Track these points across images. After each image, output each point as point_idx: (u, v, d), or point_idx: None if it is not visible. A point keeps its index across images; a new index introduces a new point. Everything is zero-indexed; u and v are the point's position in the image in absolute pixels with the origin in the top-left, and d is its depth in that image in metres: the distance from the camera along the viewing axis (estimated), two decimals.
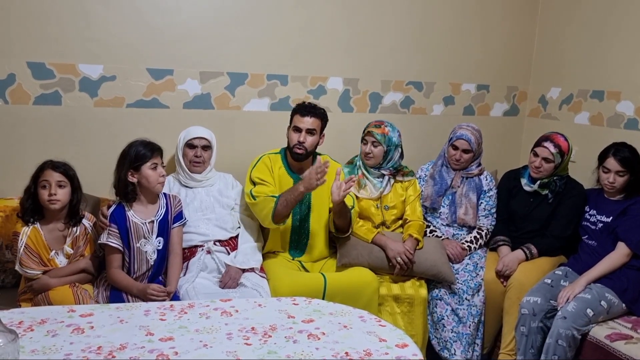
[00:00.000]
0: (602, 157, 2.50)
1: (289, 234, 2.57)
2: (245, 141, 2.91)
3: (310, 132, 2.48)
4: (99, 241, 2.19)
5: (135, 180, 2.19)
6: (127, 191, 2.19)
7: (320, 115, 2.52)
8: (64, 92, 2.57)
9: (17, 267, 2.11)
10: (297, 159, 2.51)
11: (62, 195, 2.14)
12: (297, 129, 2.48)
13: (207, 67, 2.79)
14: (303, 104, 2.54)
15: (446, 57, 3.25)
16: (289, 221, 2.54)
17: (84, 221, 2.26)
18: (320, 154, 2.68)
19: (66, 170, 2.16)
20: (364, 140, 2.67)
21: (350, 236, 2.57)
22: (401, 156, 2.70)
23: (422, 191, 2.78)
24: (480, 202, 2.77)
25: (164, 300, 2.08)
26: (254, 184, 2.50)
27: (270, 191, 2.45)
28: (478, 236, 2.74)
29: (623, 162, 2.42)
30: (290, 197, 2.36)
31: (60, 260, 2.18)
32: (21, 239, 2.09)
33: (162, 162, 2.24)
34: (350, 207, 2.53)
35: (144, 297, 2.10)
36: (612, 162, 2.44)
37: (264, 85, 2.91)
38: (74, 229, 2.21)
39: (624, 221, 2.42)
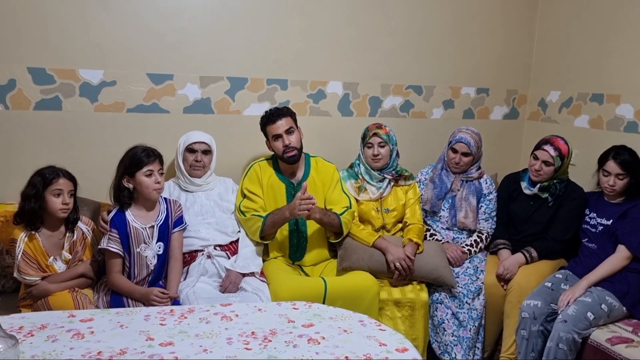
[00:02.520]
0: (602, 160, 2.50)
1: (288, 238, 2.58)
2: (245, 146, 2.91)
3: (289, 131, 2.50)
4: (99, 246, 2.19)
5: (130, 186, 2.19)
6: (122, 196, 2.20)
7: (287, 113, 2.54)
8: (64, 97, 2.58)
9: (15, 274, 2.11)
10: (293, 161, 2.52)
11: (72, 203, 2.16)
12: (277, 136, 2.50)
13: (207, 72, 2.80)
14: (266, 114, 2.55)
15: (446, 60, 3.26)
16: (287, 225, 2.55)
17: (82, 225, 2.27)
18: (312, 156, 2.68)
19: (73, 178, 2.18)
20: (368, 144, 2.67)
21: (351, 240, 2.57)
22: (397, 154, 2.73)
23: (422, 194, 2.79)
24: (480, 205, 2.77)
25: (166, 304, 2.09)
26: (244, 195, 2.55)
27: (259, 206, 2.51)
28: (478, 240, 2.74)
29: (623, 165, 2.42)
30: (276, 219, 2.45)
31: (59, 266, 2.18)
32: (19, 246, 2.09)
33: (161, 169, 2.22)
34: (345, 208, 2.54)
35: (146, 302, 2.11)
36: (612, 165, 2.44)
37: (264, 89, 2.92)
38: (72, 234, 2.22)
39: (624, 224, 2.42)
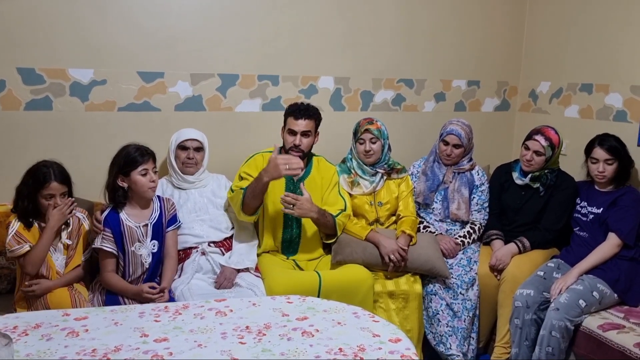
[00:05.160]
0: (589, 148, 2.53)
1: (282, 233, 2.58)
2: (237, 142, 2.91)
3: (305, 134, 2.49)
4: (93, 245, 2.20)
5: (125, 185, 2.20)
6: (117, 195, 2.20)
7: (314, 115, 2.54)
8: (54, 97, 2.57)
9: (6, 251, 2.11)
10: None
11: (65, 201, 2.16)
12: (292, 132, 2.50)
13: (198, 69, 2.79)
14: (296, 105, 2.55)
15: (436, 54, 3.27)
16: (282, 221, 2.56)
17: (78, 214, 2.27)
18: (315, 155, 2.69)
19: (66, 178, 2.17)
20: (360, 140, 2.68)
21: (344, 234, 2.58)
22: (389, 148, 2.74)
23: (414, 187, 2.80)
24: (472, 197, 2.79)
25: (160, 298, 2.10)
26: (240, 178, 2.54)
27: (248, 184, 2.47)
28: (471, 231, 2.76)
29: (610, 151, 2.45)
30: (255, 187, 2.37)
31: (57, 257, 2.19)
32: (12, 226, 2.11)
33: (154, 167, 2.23)
34: (340, 210, 2.55)
35: (140, 299, 2.11)
36: (599, 152, 2.47)
37: (255, 86, 2.92)
38: (67, 225, 2.22)
39: (614, 212, 2.45)
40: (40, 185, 2.11)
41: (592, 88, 3.02)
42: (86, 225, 2.29)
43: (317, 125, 2.57)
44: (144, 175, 2.18)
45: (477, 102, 3.46)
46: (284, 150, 2.56)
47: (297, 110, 2.51)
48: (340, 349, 1.56)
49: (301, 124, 2.48)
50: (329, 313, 1.80)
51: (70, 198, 2.17)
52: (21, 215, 2.14)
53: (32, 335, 1.61)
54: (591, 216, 2.53)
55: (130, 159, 2.17)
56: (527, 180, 2.69)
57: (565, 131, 2.91)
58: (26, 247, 2.10)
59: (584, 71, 3.07)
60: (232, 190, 2.50)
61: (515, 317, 2.39)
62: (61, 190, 2.14)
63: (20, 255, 2.10)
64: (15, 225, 2.12)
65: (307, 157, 2.58)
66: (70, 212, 2.17)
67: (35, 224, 2.16)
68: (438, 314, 2.53)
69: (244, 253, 2.48)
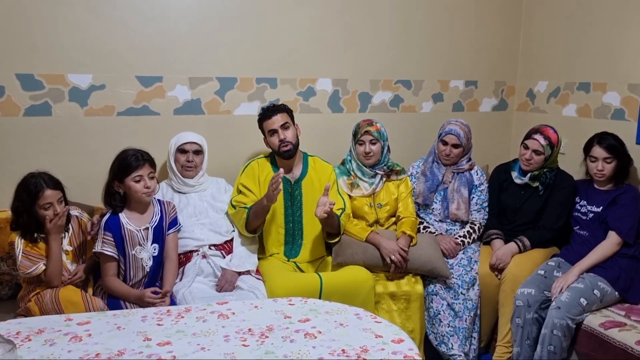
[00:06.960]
0: (587, 147, 2.54)
1: (283, 235, 2.59)
2: (236, 145, 2.92)
3: (284, 126, 2.52)
4: (94, 250, 2.20)
5: (121, 190, 2.20)
6: (114, 200, 2.20)
7: (284, 109, 2.58)
8: (53, 102, 2.57)
9: (21, 274, 2.11)
10: (288, 156, 2.54)
11: (62, 209, 2.15)
12: (273, 131, 2.52)
13: (196, 73, 2.80)
14: (262, 110, 2.61)
15: (434, 54, 3.28)
16: (283, 223, 2.57)
17: (73, 212, 2.29)
18: (310, 155, 2.70)
19: (58, 184, 2.17)
20: (359, 142, 2.68)
21: (345, 235, 2.59)
22: (389, 149, 2.74)
23: (413, 188, 2.81)
24: (472, 196, 2.79)
25: (162, 303, 2.10)
26: (239, 191, 2.57)
27: (251, 201, 2.52)
28: (471, 231, 2.77)
29: (609, 149, 2.46)
30: (257, 209, 2.45)
31: None
32: (17, 247, 2.10)
33: (151, 173, 2.21)
34: (340, 209, 2.55)
35: (142, 304, 2.11)
36: (598, 150, 2.47)
37: (254, 89, 2.93)
38: (67, 231, 2.23)
39: (614, 210, 2.45)
40: (35, 197, 2.09)
41: (589, 87, 3.04)
42: (85, 218, 2.31)
43: (292, 117, 2.60)
44: (138, 181, 2.17)
45: (474, 102, 3.47)
46: (275, 154, 2.58)
47: (267, 111, 2.56)
48: (343, 350, 1.57)
49: (276, 120, 2.52)
50: (331, 314, 1.80)
51: (65, 206, 2.16)
52: (24, 232, 2.12)
53: (35, 340, 1.61)
54: (591, 215, 2.54)
55: (124, 165, 2.17)
56: (526, 179, 2.70)
57: (563, 130, 2.92)
58: (41, 267, 2.10)
59: (581, 70, 3.08)
60: (233, 206, 2.53)
61: (516, 316, 2.39)
62: (57, 197, 2.13)
63: (39, 274, 2.11)
64: (20, 244, 2.10)
65: (297, 149, 2.58)
66: (66, 220, 2.16)
67: (40, 239, 2.14)
68: (439, 314, 2.53)
69: (244, 256, 2.48)
